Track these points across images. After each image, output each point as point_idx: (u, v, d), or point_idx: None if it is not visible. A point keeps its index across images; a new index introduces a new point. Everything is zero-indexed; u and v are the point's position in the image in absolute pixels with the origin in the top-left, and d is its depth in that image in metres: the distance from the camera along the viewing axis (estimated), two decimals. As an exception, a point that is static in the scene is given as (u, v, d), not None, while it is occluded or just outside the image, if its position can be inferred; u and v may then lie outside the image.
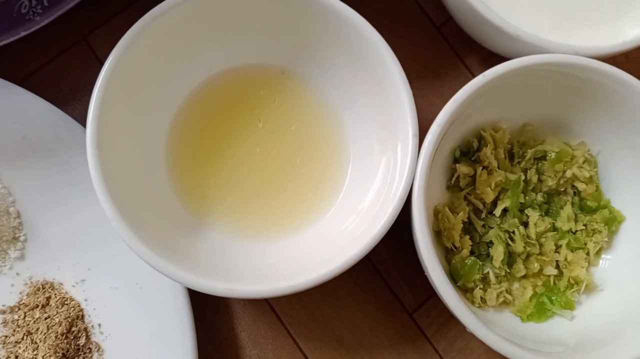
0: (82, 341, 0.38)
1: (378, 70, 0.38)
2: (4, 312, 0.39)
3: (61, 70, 0.45)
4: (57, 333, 0.37)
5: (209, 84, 0.41)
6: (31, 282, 0.40)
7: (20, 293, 0.39)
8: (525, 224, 0.41)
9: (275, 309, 0.42)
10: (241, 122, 0.42)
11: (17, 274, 0.40)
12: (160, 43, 0.37)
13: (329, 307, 0.42)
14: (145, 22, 0.36)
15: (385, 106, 0.38)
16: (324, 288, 0.42)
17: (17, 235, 0.40)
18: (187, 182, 0.40)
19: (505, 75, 0.37)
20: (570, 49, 0.38)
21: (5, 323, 0.39)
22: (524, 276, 0.41)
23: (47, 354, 0.37)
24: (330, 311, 0.42)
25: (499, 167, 0.41)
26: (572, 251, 0.41)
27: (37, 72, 0.44)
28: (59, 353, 0.37)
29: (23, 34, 0.40)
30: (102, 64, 0.44)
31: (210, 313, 0.41)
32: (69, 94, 0.45)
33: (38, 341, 0.38)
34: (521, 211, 0.41)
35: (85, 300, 0.39)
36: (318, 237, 0.39)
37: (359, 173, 0.40)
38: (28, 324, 0.38)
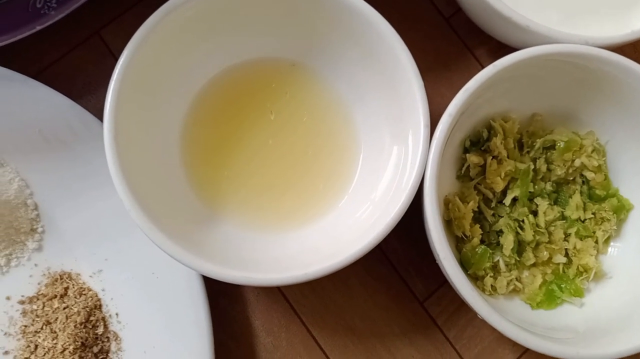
0: (100, 330, 0.39)
1: (389, 62, 0.38)
2: (23, 302, 0.40)
3: (75, 65, 0.45)
4: (76, 322, 0.38)
5: (222, 77, 0.41)
6: (49, 273, 0.40)
7: (39, 284, 0.40)
8: (535, 213, 0.42)
9: (289, 299, 0.43)
10: (253, 115, 0.42)
11: (36, 265, 0.40)
12: (174, 37, 0.38)
13: (341, 296, 0.43)
14: (159, 16, 0.36)
15: (397, 98, 0.39)
16: (335, 277, 0.43)
17: (34, 227, 0.41)
18: (201, 174, 0.41)
19: (515, 66, 0.38)
20: (580, 39, 0.39)
21: (24, 313, 0.40)
22: (534, 264, 0.41)
23: (67, 343, 0.38)
24: (342, 300, 0.43)
25: (508, 157, 0.42)
26: (581, 239, 0.42)
27: (51, 67, 0.45)
28: (78, 341, 0.38)
29: (38, 28, 0.40)
30: (115, 58, 0.45)
31: (224, 303, 0.42)
32: (83, 87, 0.45)
33: (57, 331, 0.38)
34: (530, 200, 0.42)
35: (103, 290, 0.40)
36: (331, 228, 0.39)
37: (370, 164, 0.41)
38: (47, 314, 0.39)
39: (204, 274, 0.34)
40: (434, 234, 0.35)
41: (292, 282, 0.34)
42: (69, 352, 0.38)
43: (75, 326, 0.38)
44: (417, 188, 0.35)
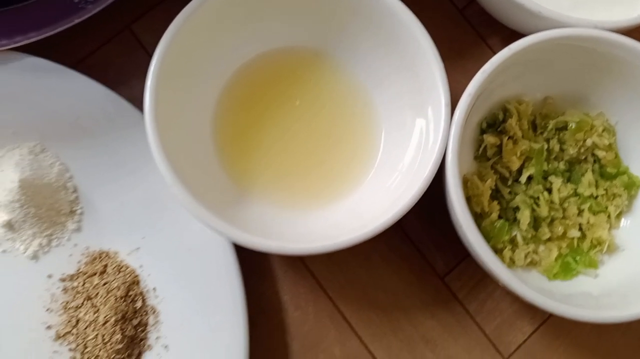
0: (139, 304, 0.41)
1: (409, 47, 0.40)
2: (64, 280, 0.42)
3: (107, 57, 0.48)
4: (116, 296, 0.40)
5: (252, 64, 0.44)
6: (88, 252, 0.42)
7: (79, 262, 0.42)
8: (549, 191, 0.44)
9: (315, 275, 0.45)
10: (280, 100, 0.44)
11: (75, 245, 0.43)
12: (210, 24, 0.40)
13: (365, 272, 0.45)
14: (197, 4, 0.38)
15: (417, 80, 0.41)
16: (359, 254, 0.45)
17: (74, 208, 0.43)
18: (231, 155, 0.43)
19: (529, 49, 0.40)
20: (589, 24, 0.41)
21: (65, 289, 0.42)
22: (549, 239, 0.43)
23: (108, 316, 0.40)
24: (366, 276, 0.45)
25: (523, 137, 0.44)
26: (594, 214, 0.43)
27: (85, 59, 0.47)
28: (118, 314, 0.40)
29: (77, 21, 0.43)
30: (145, 51, 0.48)
31: (254, 279, 0.44)
32: (115, 78, 0.46)
33: (98, 305, 0.40)
34: (545, 178, 0.44)
35: (140, 266, 0.42)
36: (359, 202, 0.41)
37: (393, 142, 0.43)
38: (87, 290, 0.41)
39: (241, 244, 0.36)
40: (457, 205, 0.37)
41: (324, 251, 0.36)
42: (110, 324, 0.40)
43: (115, 300, 0.40)
44: (439, 163, 0.38)
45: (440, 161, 0.37)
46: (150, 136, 0.36)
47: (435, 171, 0.37)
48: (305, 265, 0.45)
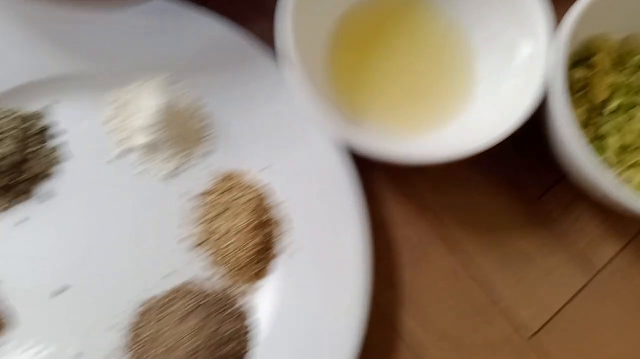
0: (269, 216, 0.45)
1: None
2: (199, 196, 0.46)
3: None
4: (249, 208, 0.45)
5: (361, 3, 0.49)
6: (220, 171, 0.47)
7: (212, 180, 0.47)
8: (634, 121, 0.48)
9: (420, 196, 0.49)
10: (386, 38, 0.49)
11: (209, 165, 0.47)
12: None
13: (465, 194, 0.50)
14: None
15: (516, 13, 0.45)
16: (458, 180, 0.50)
17: (207, 132, 0.47)
18: (345, 89, 0.48)
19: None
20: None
21: (200, 205, 0.46)
22: (634, 165, 0.47)
23: (242, 225, 0.44)
24: (467, 198, 0.49)
25: (609, 72, 0.48)
26: (676, 141, 0.48)
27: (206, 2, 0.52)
28: (252, 224, 0.44)
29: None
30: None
31: (365, 198, 0.48)
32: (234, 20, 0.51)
33: (232, 215, 0.45)
34: (629, 109, 0.48)
35: (270, 182, 0.46)
36: (466, 126, 0.46)
37: (493, 71, 0.48)
38: (221, 204, 0.46)
39: (372, 151, 0.41)
40: (564, 118, 0.41)
41: (450, 158, 0.41)
42: (244, 232, 0.44)
43: (247, 213, 0.45)
44: (544, 79, 0.42)
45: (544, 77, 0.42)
46: (295, 61, 0.41)
47: (543, 85, 0.42)
48: (411, 187, 0.49)
